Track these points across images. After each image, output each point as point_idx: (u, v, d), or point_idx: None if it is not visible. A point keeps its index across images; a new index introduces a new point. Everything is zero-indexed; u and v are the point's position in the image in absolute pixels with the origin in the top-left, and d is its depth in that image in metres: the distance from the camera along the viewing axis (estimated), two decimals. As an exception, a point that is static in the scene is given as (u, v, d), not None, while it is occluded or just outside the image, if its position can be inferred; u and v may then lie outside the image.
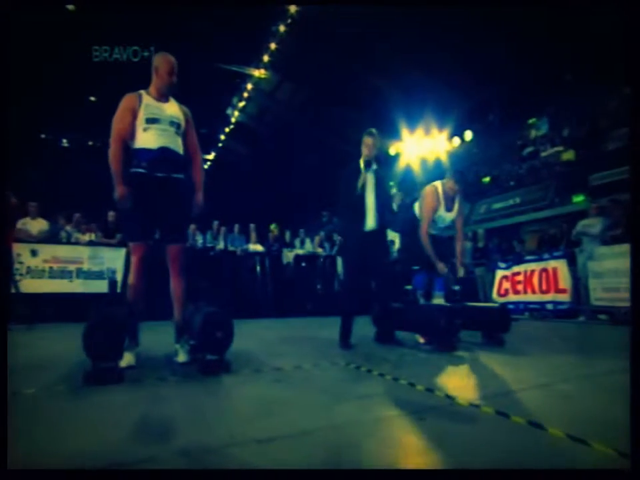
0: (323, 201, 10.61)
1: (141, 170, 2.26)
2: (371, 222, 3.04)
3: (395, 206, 2.93)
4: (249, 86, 16.77)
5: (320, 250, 7.39)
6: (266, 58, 15.10)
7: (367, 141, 3.12)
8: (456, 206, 3.35)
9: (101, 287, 5.34)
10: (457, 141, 14.08)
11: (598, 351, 3.04)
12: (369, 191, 3.07)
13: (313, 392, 1.70)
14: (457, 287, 3.50)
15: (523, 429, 1.24)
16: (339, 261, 6.79)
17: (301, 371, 2.15)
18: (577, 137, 11.33)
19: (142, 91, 2.33)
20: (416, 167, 14.03)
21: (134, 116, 2.27)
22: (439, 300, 3.34)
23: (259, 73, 15.88)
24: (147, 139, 2.27)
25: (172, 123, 2.34)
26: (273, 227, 8.93)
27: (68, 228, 5.91)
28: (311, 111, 16.12)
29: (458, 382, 1.94)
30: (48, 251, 5.32)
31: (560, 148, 11.70)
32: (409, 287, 3.42)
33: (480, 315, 3.14)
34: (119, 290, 4.48)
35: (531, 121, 13.39)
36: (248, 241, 7.15)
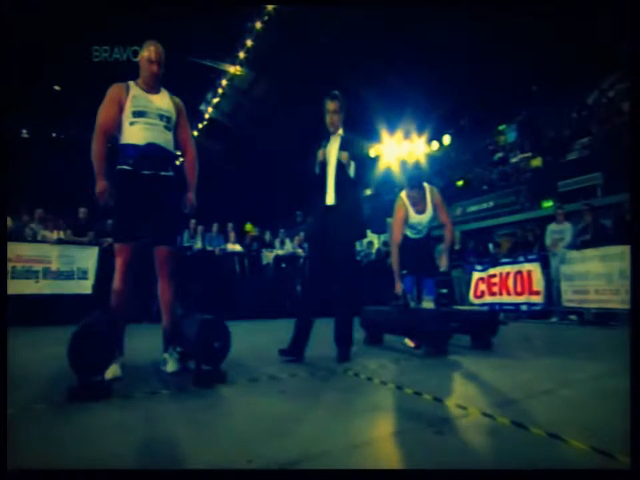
0: (299, 200, 10.50)
1: (126, 167, 2.12)
2: (330, 196, 2.65)
3: (351, 172, 2.71)
4: (224, 82, 16.43)
5: (300, 250, 7.30)
6: (242, 54, 14.85)
7: (330, 106, 2.64)
8: (428, 206, 3.33)
9: (71, 288, 5.03)
10: (435, 144, 14.37)
11: (582, 352, 3.13)
12: (332, 162, 2.65)
13: (320, 405, 1.62)
14: (444, 291, 3.51)
15: (544, 441, 1.21)
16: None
17: (300, 380, 2.06)
18: (544, 145, 11.82)
19: (130, 82, 2.18)
20: (396, 169, 14.20)
21: (120, 108, 2.12)
22: (428, 304, 3.34)
23: (234, 69, 15.58)
24: (133, 133, 2.13)
25: (161, 117, 2.20)
26: (248, 226, 8.72)
27: (33, 225, 5.52)
28: (287, 109, 15.97)
29: (463, 389, 1.92)
30: (10, 250, 4.92)
31: (528, 154, 12.15)
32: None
33: (470, 319, 3.16)
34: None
35: (501, 127, 13.86)
36: (226, 241, 6.96)
